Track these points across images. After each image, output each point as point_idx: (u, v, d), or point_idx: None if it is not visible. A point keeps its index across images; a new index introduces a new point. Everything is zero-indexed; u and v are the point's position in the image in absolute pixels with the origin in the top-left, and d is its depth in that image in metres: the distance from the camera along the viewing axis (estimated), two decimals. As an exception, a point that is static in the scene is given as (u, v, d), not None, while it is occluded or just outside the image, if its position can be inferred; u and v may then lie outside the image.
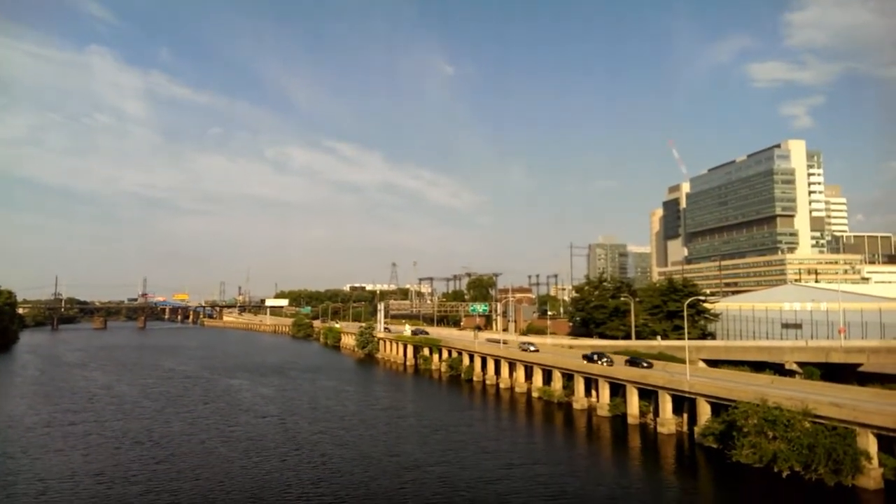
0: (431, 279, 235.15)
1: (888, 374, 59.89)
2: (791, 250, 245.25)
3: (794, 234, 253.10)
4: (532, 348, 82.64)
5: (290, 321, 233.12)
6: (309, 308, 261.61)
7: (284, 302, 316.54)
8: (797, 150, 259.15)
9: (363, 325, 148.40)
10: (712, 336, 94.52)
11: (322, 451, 44.24)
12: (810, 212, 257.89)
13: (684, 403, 50.34)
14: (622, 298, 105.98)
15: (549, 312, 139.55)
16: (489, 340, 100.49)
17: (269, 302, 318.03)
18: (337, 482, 35.94)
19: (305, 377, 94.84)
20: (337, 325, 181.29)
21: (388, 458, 42.26)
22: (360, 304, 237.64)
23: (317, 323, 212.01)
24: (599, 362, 66.39)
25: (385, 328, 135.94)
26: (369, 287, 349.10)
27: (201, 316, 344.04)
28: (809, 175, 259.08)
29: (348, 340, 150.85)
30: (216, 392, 78.46)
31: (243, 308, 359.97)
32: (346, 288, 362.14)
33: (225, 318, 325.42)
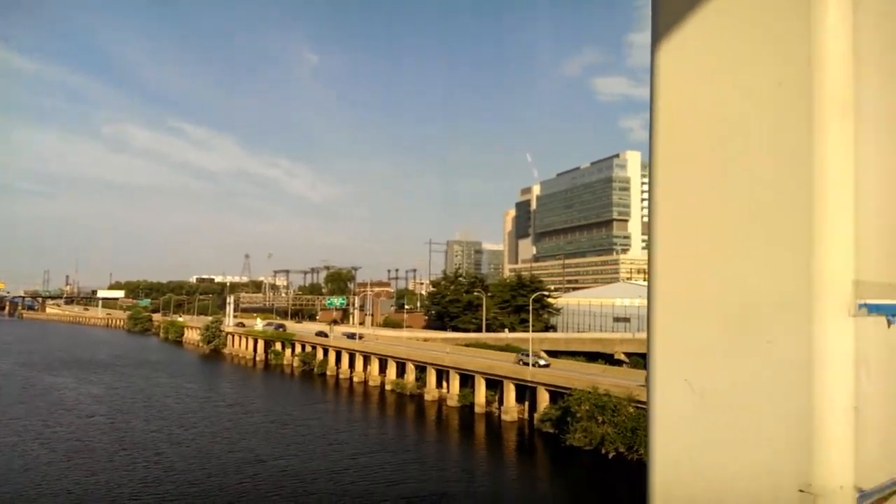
0: (287, 272, 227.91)
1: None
2: (624, 251, 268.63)
3: (627, 237, 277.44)
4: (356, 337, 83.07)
5: (125, 314, 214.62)
6: (149, 301, 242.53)
7: (120, 293, 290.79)
8: (633, 160, 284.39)
9: (210, 318, 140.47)
10: (554, 329, 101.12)
11: (156, 450, 41.31)
12: (642, 217, 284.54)
13: (526, 392, 53.43)
14: (475, 293, 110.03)
15: (407, 306, 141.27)
16: (345, 334, 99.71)
17: (102, 293, 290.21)
18: (171, 480, 33.81)
19: (140, 374, 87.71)
20: (180, 319, 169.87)
21: (228, 455, 40.46)
22: (208, 296, 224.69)
23: (157, 316, 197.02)
24: (532, 366, 58.64)
25: (239, 323, 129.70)
26: (219, 279, 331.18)
27: (20, 307, 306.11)
28: (642, 183, 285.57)
29: (192, 335, 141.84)
30: (34, 391, 70.18)
31: (70, 299, 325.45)
32: (193, 280, 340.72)
33: (48, 311, 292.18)
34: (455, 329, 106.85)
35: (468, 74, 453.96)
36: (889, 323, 1.15)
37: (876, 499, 1.09)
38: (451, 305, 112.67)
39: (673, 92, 1.21)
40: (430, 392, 65.50)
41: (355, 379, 79.98)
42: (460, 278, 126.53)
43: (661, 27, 1.23)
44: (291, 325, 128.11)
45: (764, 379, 1.07)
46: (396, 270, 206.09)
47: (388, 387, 72.23)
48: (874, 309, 1.09)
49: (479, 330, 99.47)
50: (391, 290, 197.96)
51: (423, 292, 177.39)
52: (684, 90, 1.20)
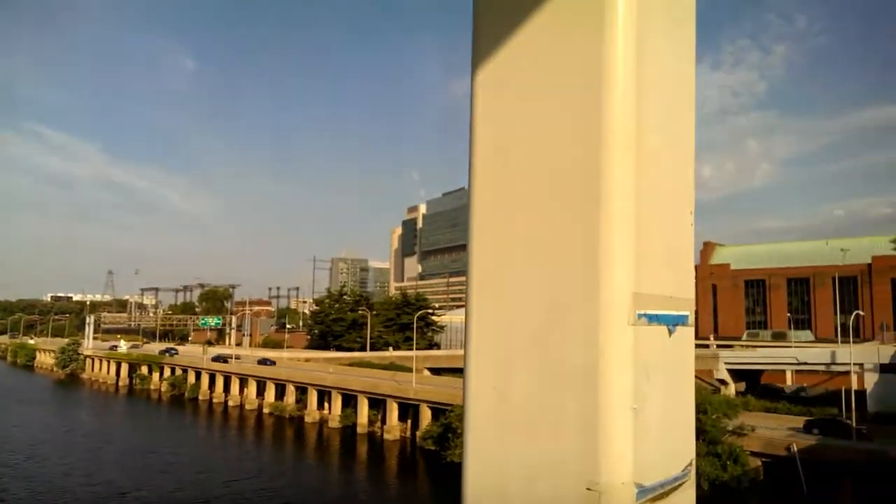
0: (157, 290, 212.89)
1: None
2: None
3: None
4: (269, 363, 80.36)
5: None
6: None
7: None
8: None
9: (67, 340, 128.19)
10: (438, 346, 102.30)
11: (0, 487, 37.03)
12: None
13: (409, 410, 53.57)
14: (360, 312, 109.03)
15: (288, 326, 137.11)
16: (219, 356, 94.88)
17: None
18: (14, 523, 30.41)
19: (-20, 403, 78.35)
20: (31, 341, 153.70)
21: (85, 489, 37.05)
22: (65, 316, 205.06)
23: (3, 338, 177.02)
24: None
25: (113, 346, 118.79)
26: (77, 297, 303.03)
27: None
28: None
29: (45, 359, 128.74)
30: None
31: None
32: (47, 298, 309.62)
33: None
34: (339, 348, 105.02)
35: (356, 91, 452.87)
36: (670, 332, 1.30)
37: (654, 494, 1.20)
38: (335, 324, 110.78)
39: (489, 114, 1.35)
40: (311, 414, 63.80)
41: (230, 403, 76.10)
42: (345, 296, 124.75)
43: (480, 52, 1.36)
44: (162, 347, 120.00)
45: (558, 384, 1.17)
46: (278, 289, 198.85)
47: (266, 410, 69.44)
48: (652, 318, 1.22)
49: (363, 349, 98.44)
50: (272, 308, 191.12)
51: (307, 311, 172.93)
52: (498, 113, 1.33)
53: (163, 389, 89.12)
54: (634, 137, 1.20)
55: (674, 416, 1.32)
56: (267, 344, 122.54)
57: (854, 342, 47.75)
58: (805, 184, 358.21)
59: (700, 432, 32.61)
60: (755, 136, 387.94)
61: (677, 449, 1.33)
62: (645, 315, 1.21)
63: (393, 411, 54.24)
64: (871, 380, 44.78)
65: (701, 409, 33.08)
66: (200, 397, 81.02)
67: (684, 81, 1.47)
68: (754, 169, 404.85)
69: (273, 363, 73.48)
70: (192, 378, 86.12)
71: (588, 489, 1.11)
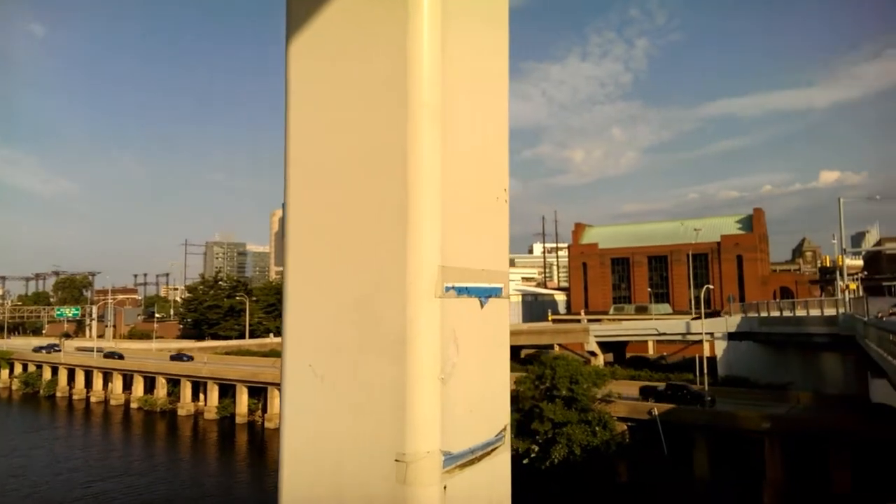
0: (4, 279, 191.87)
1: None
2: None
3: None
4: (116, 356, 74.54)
5: None
6: None
7: None
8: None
9: None
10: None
11: None
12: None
13: (291, 396, 52.28)
14: (238, 298, 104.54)
15: (158, 315, 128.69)
16: (80, 349, 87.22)
17: None
18: None
19: None
20: None
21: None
22: None
23: None
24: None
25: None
26: None
27: None
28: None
29: None
30: None
31: None
32: None
33: None
34: (215, 337, 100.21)
35: (230, 69, 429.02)
36: (482, 304, 1.33)
37: (465, 460, 1.24)
38: (211, 312, 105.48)
39: (303, 91, 1.34)
40: (185, 406, 60.52)
41: (93, 399, 70.38)
42: (221, 282, 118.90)
43: (293, 26, 1.34)
44: (10, 342, 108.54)
45: (370, 359, 1.19)
46: (145, 275, 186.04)
47: (133, 405, 64.87)
48: (461, 291, 1.26)
49: (241, 336, 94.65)
50: (138, 297, 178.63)
51: (178, 299, 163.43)
52: (312, 89, 1.32)
53: (14, 387, 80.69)
54: (440, 116, 1.23)
55: (486, 385, 1.37)
56: (133, 335, 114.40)
57: (706, 313, 52.72)
58: (664, 170, 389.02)
59: (572, 401, 34.66)
60: (621, 125, 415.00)
61: (490, 416, 1.37)
62: (454, 287, 1.24)
63: (274, 399, 52.69)
64: (720, 347, 49.66)
65: (573, 380, 35.13)
66: (59, 394, 74.23)
67: (496, 66, 1.49)
68: (620, 156, 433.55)
69: (190, 358, 67.27)
70: (47, 374, 78.56)
71: (396, 460, 1.14)
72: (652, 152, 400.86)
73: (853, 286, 54.65)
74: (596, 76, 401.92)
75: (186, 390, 61.36)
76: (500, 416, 1.42)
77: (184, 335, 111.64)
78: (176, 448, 47.85)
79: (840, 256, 50.90)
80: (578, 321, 75.49)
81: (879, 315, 40.58)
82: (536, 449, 34.47)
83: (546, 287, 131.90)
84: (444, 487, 1.17)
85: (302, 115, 1.36)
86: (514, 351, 61.81)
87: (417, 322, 1.17)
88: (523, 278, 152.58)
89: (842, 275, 50.46)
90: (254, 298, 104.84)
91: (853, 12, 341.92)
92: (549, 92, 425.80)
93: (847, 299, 42.41)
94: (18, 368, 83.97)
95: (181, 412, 59.98)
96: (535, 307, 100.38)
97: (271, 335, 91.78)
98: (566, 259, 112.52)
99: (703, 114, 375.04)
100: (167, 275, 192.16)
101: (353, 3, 1.30)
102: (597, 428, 34.27)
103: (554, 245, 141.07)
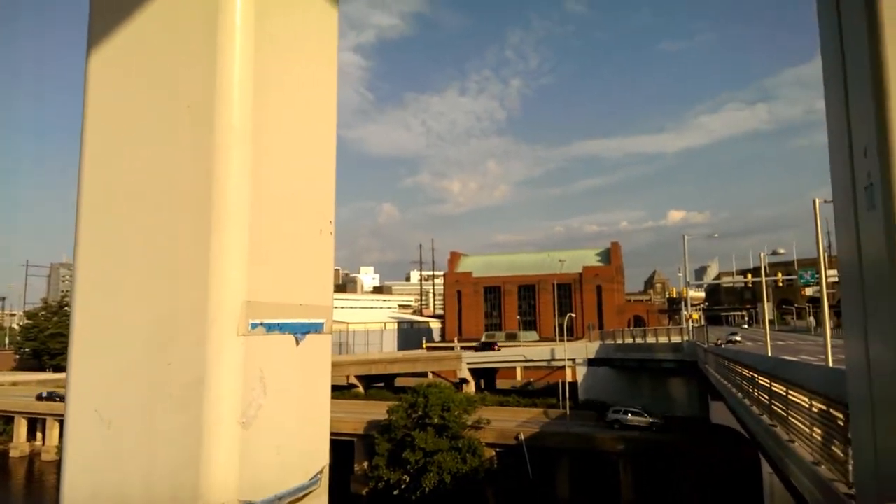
0: None
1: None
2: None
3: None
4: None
5: None
6: None
7: None
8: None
9: None
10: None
11: None
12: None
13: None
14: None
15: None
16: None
17: None
18: None
19: None
20: None
21: None
22: None
23: None
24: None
25: None
26: None
27: None
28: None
29: None
30: None
31: None
32: None
33: None
34: (57, 369, 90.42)
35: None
36: (297, 340, 1.27)
37: None
38: (53, 340, 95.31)
39: (100, 108, 1.23)
40: (19, 447, 53.85)
41: None
42: (66, 308, 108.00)
43: (95, 32, 1.23)
44: None
45: (163, 404, 1.10)
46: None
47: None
48: (272, 327, 1.19)
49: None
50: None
51: (16, 325, 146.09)
52: (111, 107, 1.21)
53: None
54: (251, 142, 1.16)
55: (301, 426, 1.31)
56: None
57: (568, 340, 55.66)
58: (534, 203, 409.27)
59: (444, 429, 35.00)
60: (495, 159, 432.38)
61: (304, 458, 1.32)
62: (262, 324, 1.17)
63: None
64: (581, 372, 52.53)
65: (445, 408, 35.52)
66: None
67: (323, 96, 1.43)
68: (494, 188, 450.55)
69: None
70: None
71: None
72: (523, 186, 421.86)
73: (696, 316, 60.29)
74: (473, 111, 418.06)
75: (21, 429, 54.69)
76: (317, 457, 1.36)
77: (21, 366, 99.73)
78: (6, 494, 42.27)
79: (685, 288, 56.22)
80: (452, 348, 76.61)
81: (718, 342, 45.06)
82: (407, 479, 34.32)
83: (422, 314, 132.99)
84: None
85: (98, 134, 1.23)
86: (389, 379, 61.44)
87: (216, 362, 1.09)
88: (400, 305, 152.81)
89: (686, 305, 55.65)
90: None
91: (699, 69, 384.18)
92: (428, 122, 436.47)
93: (690, 328, 46.75)
94: None
95: (14, 453, 53.28)
96: (410, 335, 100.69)
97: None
98: (442, 287, 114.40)
99: (570, 153, 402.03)
100: (3, 299, 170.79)
101: (160, 18, 1.20)
102: (466, 455, 34.79)
103: (430, 273, 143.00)
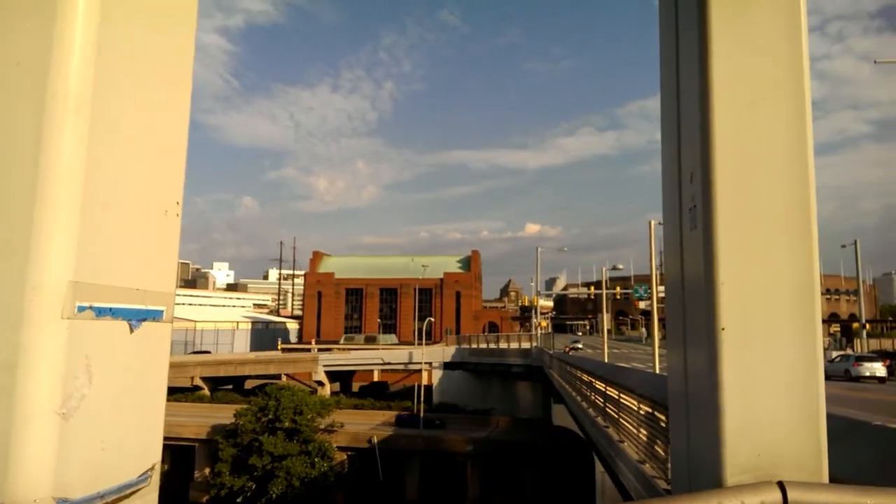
0: None
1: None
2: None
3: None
4: None
5: None
6: None
7: None
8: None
9: None
10: None
11: None
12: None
13: None
14: None
15: None
16: None
17: None
18: None
19: None
20: None
21: None
22: None
23: None
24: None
25: None
26: None
27: None
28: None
29: None
30: None
31: None
32: None
33: None
34: None
35: None
36: (132, 327, 1.18)
37: None
38: None
39: None
40: None
41: None
42: None
43: None
44: None
45: None
46: None
47: None
48: (103, 312, 1.10)
49: None
50: None
51: None
52: None
53: None
54: (89, 110, 1.07)
55: (131, 420, 1.22)
56: None
57: (427, 344, 56.63)
58: (401, 207, 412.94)
59: (295, 433, 34.08)
60: (364, 160, 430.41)
61: (133, 454, 1.23)
62: (91, 307, 1.08)
63: None
64: (437, 376, 53.67)
65: (297, 411, 34.61)
66: None
67: (176, 69, 1.35)
68: (362, 189, 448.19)
69: None
70: None
71: None
72: (391, 189, 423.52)
73: (544, 324, 64.03)
74: (344, 109, 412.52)
75: None
76: (149, 453, 1.27)
77: None
78: None
79: (535, 297, 59.49)
80: (309, 350, 74.88)
81: (567, 349, 48.14)
82: (253, 485, 32.99)
83: (279, 314, 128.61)
84: None
85: None
86: (239, 381, 58.65)
87: (33, 347, 1.00)
88: (255, 305, 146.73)
89: (536, 313, 58.88)
90: None
91: (560, 93, 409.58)
92: (297, 116, 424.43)
93: (539, 335, 49.52)
94: None
95: None
96: (265, 335, 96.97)
97: None
98: (302, 287, 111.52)
99: (438, 160, 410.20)
100: None
101: None
102: (316, 459, 34.15)
103: (291, 272, 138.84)
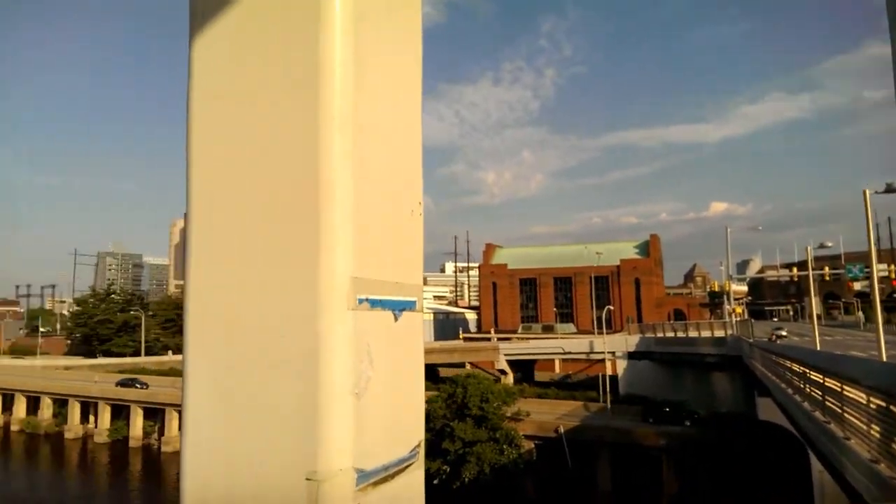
0: None
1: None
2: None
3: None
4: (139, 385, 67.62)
5: None
6: None
7: None
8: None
9: None
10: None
11: None
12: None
13: (192, 417, 49.79)
14: (132, 312, 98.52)
15: (42, 329, 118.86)
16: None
17: None
18: None
19: None
20: None
21: None
22: None
23: None
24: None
25: None
26: None
27: None
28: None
29: None
30: None
31: None
32: None
33: None
34: (107, 354, 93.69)
35: (113, 69, 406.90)
36: (395, 317, 1.31)
37: (378, 478, 1.20)
38: (102, 327, 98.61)
39: (206, 94, 1.26)
40: (73, 429, 56.17)
41: (-35, 422, 64.04)
42: (113, 295, 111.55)
43: (196, 24, 1.28)
44: None
45: (278, 375, 1.14)
46: (28, 286, 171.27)
47: (14, 427, 59.51)
48: (375, 303, 1.23)
49: (136, 353, 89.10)
50: (20, 309, 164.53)
51: (66, 312, 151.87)
52: (216, 92, 1.26)
53: None
54: (352, 124, 1.20)
55: (400, 400, 1.34)
56: (16, 350, 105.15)
57: (607, 333, 55.24)
58: (570, 194, 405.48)
59: (483, 420, 35.23)
60: (530, 149, 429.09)
61: (404, 431, 1.35)
62: (367, 300, 1.21)
63: (172, 421, 49.99)
64: (621, 366, 52.12)
65: (484, 399, 35.73)
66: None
67: (410, 78, 1.46)
68: (529, 179, 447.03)
69: (145, 386, 56.26)
70: None
71: (307, 479, 1.08)
72: (559, 177, 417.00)
73: (739, 310, 59.16)
74: (507, 101, 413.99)
75: (75, 412, 57.01)
76: (415, 431, 1.38)
77: (72, 351, 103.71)
78: (60, 473, 44.31)
79: (727, 282, 55.16)
80: (489, 339, 76.85)
81: (773, 337, 44.08)
82: (447, 469, 34.67)
83: (457, 306, 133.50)
84: None
85: (205, 119, 1.28)
86: (430, 369, 62.03)
87: (330, 335, 1.12)
88: (435, 297, 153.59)
89: (729, 299, 54.61)
90: (150, 313, 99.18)
91: (738, 58, 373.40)
92: (462, 113, 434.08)
93: (734, 322, 45.92)
94: None
95: (68, 435, 55.52)
96: (446, 325, 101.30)
97: (170, 353, 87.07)
98: (477, 278, 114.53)
99: (605, 143, 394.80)
100: (53, 286, 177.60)
101: (261, 3, 1.24)
102: (504, 446, 34.95)
103: (465, 264, 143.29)
